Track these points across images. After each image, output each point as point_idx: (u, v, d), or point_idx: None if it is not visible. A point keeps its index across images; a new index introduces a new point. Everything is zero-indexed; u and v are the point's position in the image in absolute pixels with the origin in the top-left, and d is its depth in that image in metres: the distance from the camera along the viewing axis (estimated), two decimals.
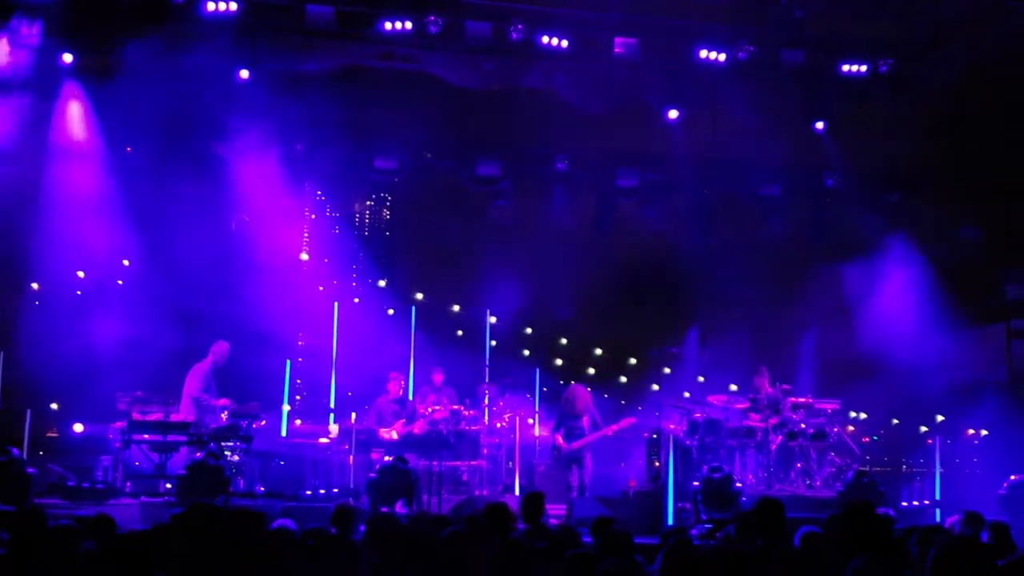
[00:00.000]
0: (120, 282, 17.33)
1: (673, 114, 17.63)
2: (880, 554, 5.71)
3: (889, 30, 16.78)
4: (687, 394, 18.01)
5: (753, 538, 7.49)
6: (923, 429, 18.72)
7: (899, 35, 16.84)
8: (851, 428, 17.93)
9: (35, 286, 17.18)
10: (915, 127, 16.52)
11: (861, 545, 6.25)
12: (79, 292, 17.11)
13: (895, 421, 19.62)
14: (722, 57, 16.58)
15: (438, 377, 16.55)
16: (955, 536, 5.07)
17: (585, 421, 15.78)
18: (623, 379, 19.66)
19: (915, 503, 15.92)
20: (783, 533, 7.40)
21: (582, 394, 16.04)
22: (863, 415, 19.02)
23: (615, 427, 15.93)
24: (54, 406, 16.09)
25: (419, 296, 18.79)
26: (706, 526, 12.84)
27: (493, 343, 18.00)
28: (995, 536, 8.65)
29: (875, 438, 19.36)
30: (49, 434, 15.78)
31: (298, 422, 16.41)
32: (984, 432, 18.40)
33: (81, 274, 17.05)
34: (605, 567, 5.68)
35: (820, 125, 18.00)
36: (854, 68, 16.89)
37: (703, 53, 16.59)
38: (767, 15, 16.59)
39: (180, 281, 16.53)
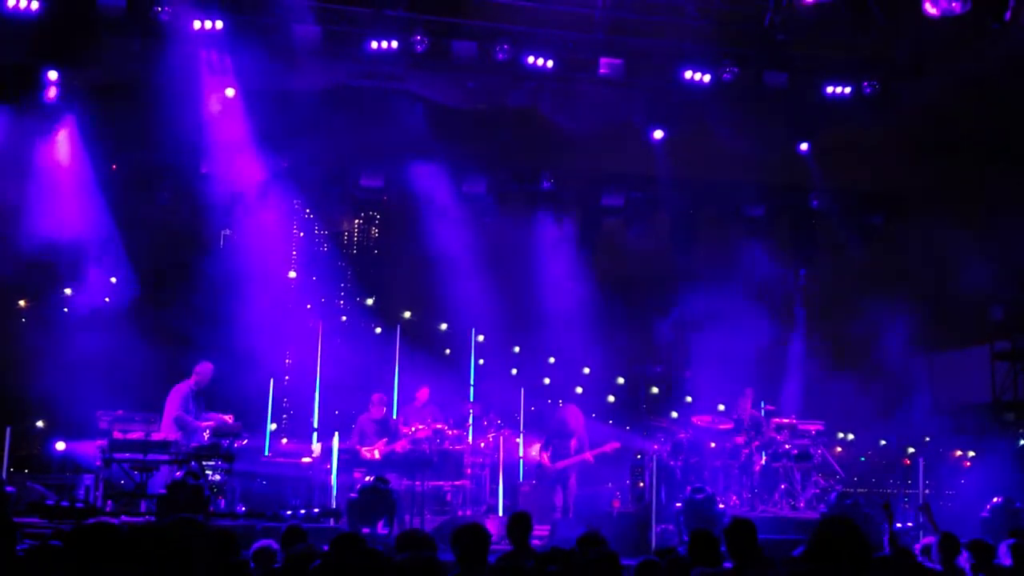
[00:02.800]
0: (107, 299, 17.28)
1: (658, 134, 17.74)
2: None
3: (873, 52, 16.83)
4: (674, 414, 18.01)
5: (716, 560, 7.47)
6: (910, 451, 18.70)
7: (883, 57, 16.90)
8: (838, 449, 17.90)
9: (22, 303, 17.16)
10: (899, 149, 16.57)
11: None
12: (66, 310, 17.07)
13: (882, 442, 19.61)
14: (707, 78, 16.62)
15: (422, 395, 16.49)
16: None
17: (573, 442, 15.73)
18: (611, 398, 19.61)
19: (898, 525, 15.87)
20: (755, 554, 7.38)
21: (575, 414, 15.99)
22: (850, 436, 19.01)
23: (598, 451, 15.82)
24: (40, 424, 16.05)
25: (406, 314, 18.76)
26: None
27: (480, 362, 17.96)
28: (977, 555, 8.66)
29: (862, 459, 19.34)
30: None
31: (284, 441, 16.35)
32: (972, 454, 18.39)
33: (68, 291, 17.02)
34: None
35: (804, 146, 18.08)
36: (838, 90, 16.97)
37: (688, 74, 16.63)
38: (751, 37, 16.65)
39: (166, 299, 16.51)
